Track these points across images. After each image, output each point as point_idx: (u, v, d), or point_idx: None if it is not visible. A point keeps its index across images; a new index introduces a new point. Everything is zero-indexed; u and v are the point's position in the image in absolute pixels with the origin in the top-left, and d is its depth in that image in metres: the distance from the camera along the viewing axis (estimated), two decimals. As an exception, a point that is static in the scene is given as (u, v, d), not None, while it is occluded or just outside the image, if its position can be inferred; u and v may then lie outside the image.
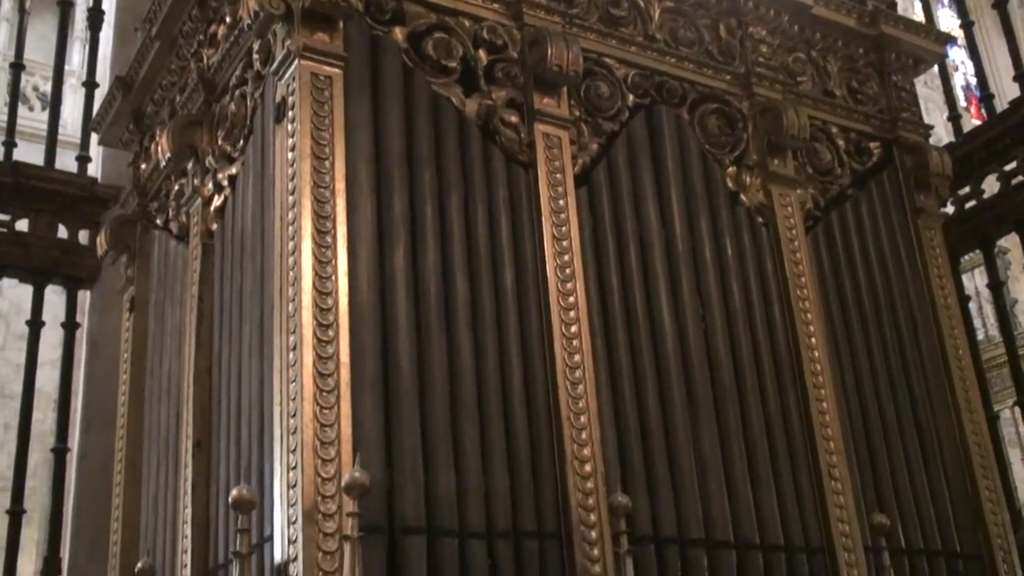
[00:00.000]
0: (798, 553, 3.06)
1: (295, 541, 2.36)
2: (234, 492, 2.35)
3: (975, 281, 10.27)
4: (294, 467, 2.43)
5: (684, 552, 2.86)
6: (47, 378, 5.68)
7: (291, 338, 2.58)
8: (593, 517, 2.70)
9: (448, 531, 2.54)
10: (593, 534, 2.68)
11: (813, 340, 3.37)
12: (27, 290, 5.17)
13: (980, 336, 9.14)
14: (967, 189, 4.86)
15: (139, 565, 2.93)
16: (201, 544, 2.95)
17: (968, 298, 4.92)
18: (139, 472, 3.64)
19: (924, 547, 3.36)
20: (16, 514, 5.08)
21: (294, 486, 2.42)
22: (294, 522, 2.38)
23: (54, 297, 5.36)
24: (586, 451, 2.77)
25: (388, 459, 2.55)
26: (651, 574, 2.77)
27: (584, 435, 2.79)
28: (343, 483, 2.33)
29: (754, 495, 3.07)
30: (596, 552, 2.67)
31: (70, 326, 5.28)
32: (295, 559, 2.34)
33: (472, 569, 2.54)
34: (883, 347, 3.63)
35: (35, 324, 5.13)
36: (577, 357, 2.87)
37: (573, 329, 2.90)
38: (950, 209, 4.70)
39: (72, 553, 5.15)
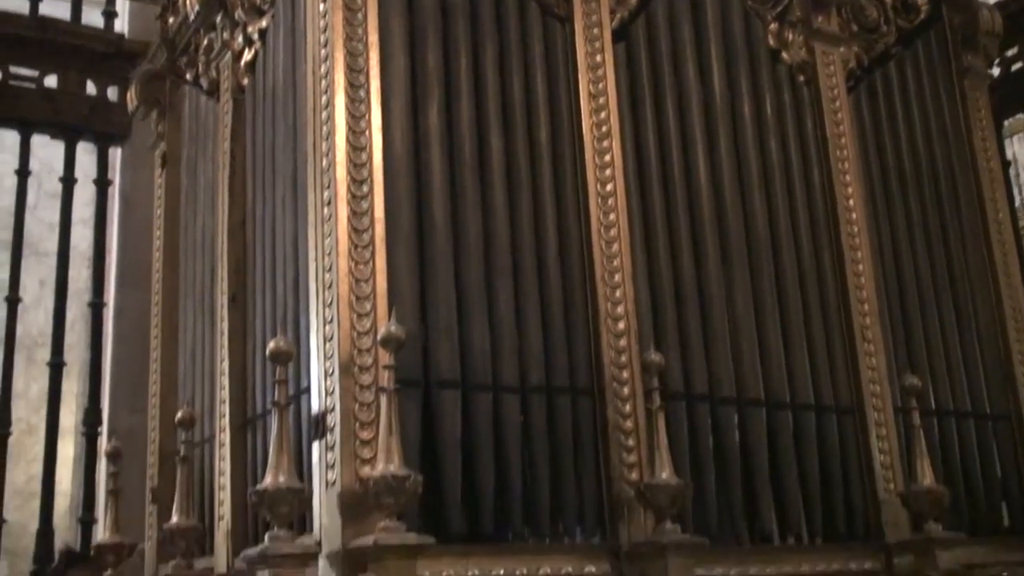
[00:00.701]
0: (828, 413, 3.09)
1: (332, 393, 2.39)
2: (271, 344, 2.37)
3: (1014, 147, 10.05)
4: (330, 321, 2.45)
5: (715, 410, 2.89)
6: (80, 236, 5.71)
7: (325, 193, 2.57)
8: (626, 374, 2.72)
9: (482, 385, 2.57)
10: (625, 391, 2.70)
11: (851, 201, 3.32)
12: (58, 149, 5.16)
13: (1016, 204, 8.99)
14: (1015, 50, 4.70)
15: (179, 415, 3.00)
16: (239, 395, 3.00)
17: (1008, 164, 4.82)
18: (175, 326, 3.69)
19: (954, 409, 3.38)
20: (57, 366, 5.18)
21: (330, 339, 2.44)
22: (331, 374, 2.42)
23: (85, 157, 5.35)
24: (619, 309, 2.78)
25: (423, 314, 2.57)
26: (682, 431, 2.81)
27: (618, 293, 2.79)
28: (379, 336, 2.34)
29: (786, 355, 3.08)
30: (628, 408, 2.69)
31: (102, 183, 5.29)
32: (332, 410, 2.38)
33: (505, 423, 2.57)
34: (922, 210, 3.58)
35: (68, 181, 5.14)
36: (612, 215, 2.85)
37: (608, 187, 2.87)
38: (995, 71, 4.57)
39: (112, 405, 5.28)
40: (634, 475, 2.64)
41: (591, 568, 2.52)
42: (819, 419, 3.07)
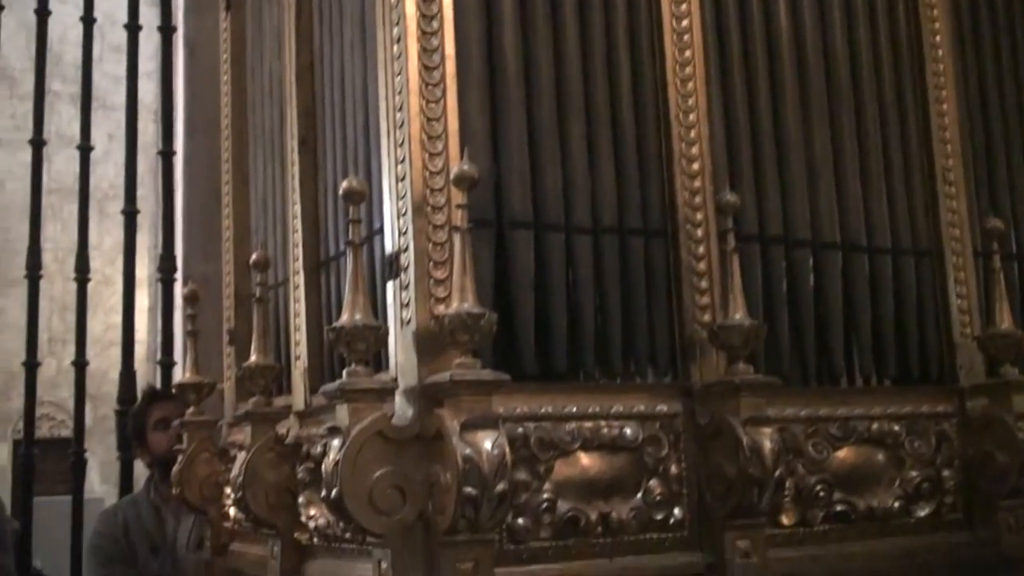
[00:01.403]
0: (905, 256, 3.03)
1: (405, 233, 2.40)
2: (344, 184, 2.36)
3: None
4: (402, 161, 2.43)
5: (790, 252, 2.86)
6: (144, 90, 5.73)
7: (394, 30, 2.51)
8: (699, 216, 2.69)
9: (555, 226, 2.55)
10: (699, 232, 2.67)
11: (938, 38, 3.18)
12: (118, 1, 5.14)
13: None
14: None
15: (253, 257, 3.03)
16: (311, 238, 3.02)
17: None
18: (246, 172, 3.70)
19: (1035, 252, 3.31)
20: (131, 215, 5.28)
21: (402, 179, 2.43)
22: (404, 214, 2.41)
23: (147, 9, 5.32)
24: (694, 149, 2.72)
25: (495, 154, 2.54)
26: (755, 273, 2.78)
27: (693, 133, 2.72)
28: (452, 175, 2.33)
29: (864, 197, 3.01)
30: (701, 250, 2.67)
31: (166, 30, 5.27)
32: (406, 250, 2.39)
33: (578, 264, 2.57)
34: (1012, 49, 3.42)
35: (132, 29, 5.13)
36: (688, 53, 2.76)
37: (684, 23, 2.77)
38: None
39: (185, 253, 5.38)
40: (707, 317, 2.63)
41: (663, 407, 2.54)
42: (896, 262, 3.02)
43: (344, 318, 2.29)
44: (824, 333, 2.87)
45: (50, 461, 5.76)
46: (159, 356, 5.57)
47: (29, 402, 5.10)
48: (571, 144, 2.61)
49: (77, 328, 5.23)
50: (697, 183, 2.70)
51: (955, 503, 2.88)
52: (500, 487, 2.15)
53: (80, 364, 5.21)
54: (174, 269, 5.30)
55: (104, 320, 17.89)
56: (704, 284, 2.64)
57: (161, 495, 4.43)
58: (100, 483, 15.23)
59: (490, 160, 2.52)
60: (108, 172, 16.24)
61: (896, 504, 2.78)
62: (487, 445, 2.14)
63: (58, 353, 18.96)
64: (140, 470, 4.93)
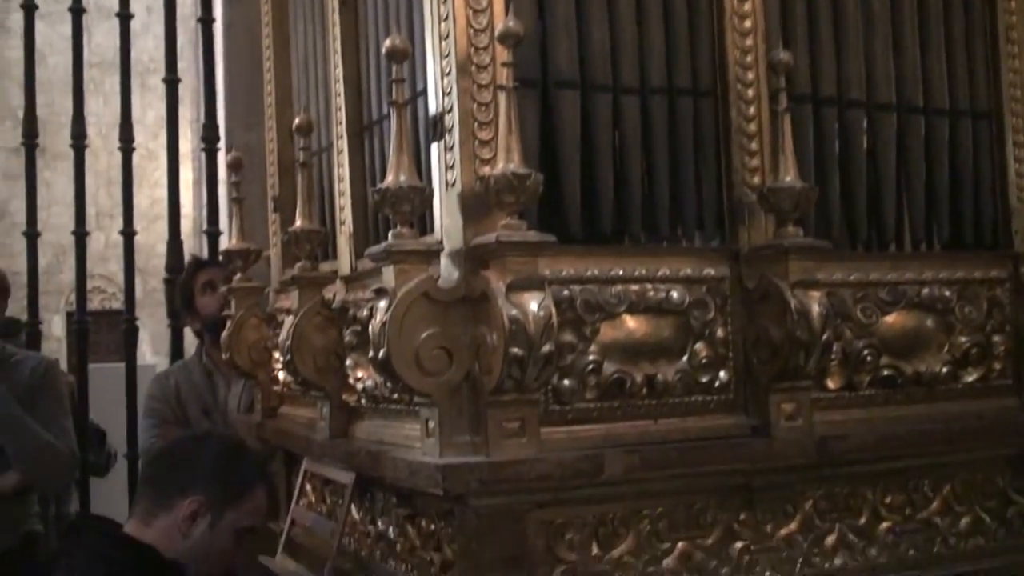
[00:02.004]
0: (963, 118, 2.94)
1: (449, 93, 2.35)
2: (387, 42, 2.32)
3: None
4: (445, 18, 2.37)
5: (843, 113, 2.78)
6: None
7: None
8: (751, 75, 2.61)
9: (601, 86, 2.49)
10: (750, 92, 2.60)
11: None
12: None
13: None
14: None
15: (297, 120, 3.01)
16: (354, 102, 2.99)
17: None
18: (286, 37, 3.65)
19: (1099, 116, 3.19)
20: (172, 83, 5.25)
21: (446, 38, 2.37)
22: (448, 74, 2.36)
23: None
24: (746, 6, 2.62)
25: (540, 11, 2.47)
26: (807, 134, 2.71)
27: (745, -11, 2.62)
28: (497, 33, 2.27)
29: (922, 57, 2.90)
30: (752, 111, 2.60)
31: None
32: (450, 110, 2.35)
33: (625, 124, 2.52)
34: None
35: None
36: (741, -97, 2.64)
37: None
38: None
39: (227, 122, 5.37)
40: (756, 179, 2.58)
41: (710, 271, 2.51)
42: (953, 124, 2.93)
43: (389, 179, 2.27)
44: (876, 196, 2.81)
45: (102, 333, 5.89)
46: (205, 226, 5.62)
47: (80, 269, 5.18)
48: (619, 0, 2.53)
49: (124, 196, 5.28)
50: (749, 41, 2.62)
51: (1004, 369, 2.86)
52: (546, 348, 2.15)
53: (128, 233, 5.27)
54: (217, 139, 5.30)
55: (149, 194, 18.04)
56: (754, 146, 2.58)
57: (212, 360, 4.52)
58: (151, 354, 15.63)
59: (536, 17, 2.45)
60: (148, 45, 16.16)
61: (944, 369, 2.76)
62: (533, 306, 2.14)
63: (105, 227, 19.25)
64: (190, 339, 5.03)
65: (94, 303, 15.45)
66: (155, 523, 2.77)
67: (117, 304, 18.28)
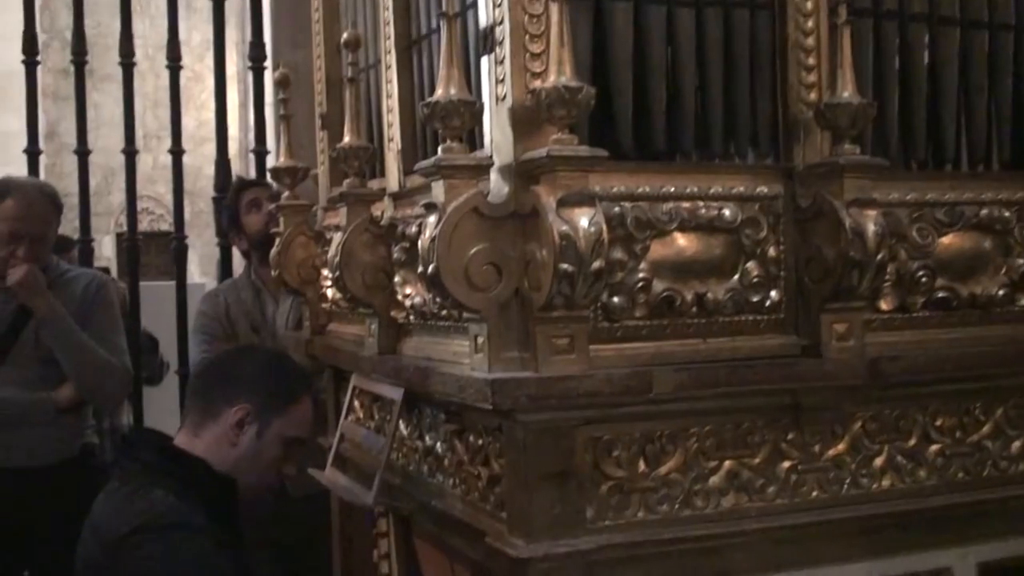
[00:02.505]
0: (1029, 32, 2.85)
1: (500, 4, 2.30)
2: (437, -48, 2.28)
3: None
4: (496, -72, 2.32)
5: (904, 27, 2.69)
6: None
7: None
8: (809, -14, 2.53)
9: (655, -2, 2.44)
10: (808, 5, 2.52)
11: None
12: None
13: None
14: None
15: (344, 36, 2.98)
16: (402, 16, 2.95)
17: None
18: (332, -49, 3.61)
19: None
20: (218, 2, 5.22)
21: (497, -52, 2.32)
22: (499, -15, 2.32)
23: None
24: (807, -86, 2.54)
25: (593, -80, 2.41)
26: (866, 49, 2.64)
27: None
28: (549, -58, 2.21)
29: (988, -31, 2.81)
30: (810, 24, 2.52)
31: None
32: (500, 23, 2.30)
33: (679, 37, 2.46)
34: None
35: None
36: None
37: None
38: None
39: (274, 41, 5.35)
40: (813, 95, 2.51)
41: (763, 188, 2.47)
42: (1019, 41, 2.83)
43: (439, 92, 2.25)
44: (936, 114, 2.74)
45: (151, 254, 5.97)
46: (252, 145, 5.63)
47: (130, 186, 5.23)
48: (674, -91, 2.46)
49: (172, 114, 5.30)
50: (808, -49, 2.54)
51: (1062, 292, 2.80)
52: (596, 264, 2.14)
53: (177, 151, 5.30)
54: (264, 58, 5.28)
55: (196, 116, 18.13)
56: (811, 60, 2.51)
57: (260, 278, 4.57)
58: (199, 275, 15.83)
59: (589, -75, 2.39)
60: (191, -34, 16.09)
61: (1000, 292, 2.70)
62: (584, 222, 2.12)
63: (153, 149, 19.41)
64: (237, 260, 5.08)
65: (142, 224, 15.57)
66: (204, 434, 2.82)
67: (165, 226, 18.50)
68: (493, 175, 2.29)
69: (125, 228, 5.56)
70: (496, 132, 2.32)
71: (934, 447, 2.64)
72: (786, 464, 2.47)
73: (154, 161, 19.35)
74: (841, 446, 2.53)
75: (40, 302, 4.16)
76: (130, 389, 4.65)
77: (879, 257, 2.38)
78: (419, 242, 2.28)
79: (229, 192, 4.81)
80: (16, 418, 4.17)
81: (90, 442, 4.50)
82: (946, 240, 2.65)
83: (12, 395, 4.18)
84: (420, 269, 2.27)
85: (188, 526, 2.59)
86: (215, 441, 2.81)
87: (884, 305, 2.58)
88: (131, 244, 5.24)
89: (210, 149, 5.41)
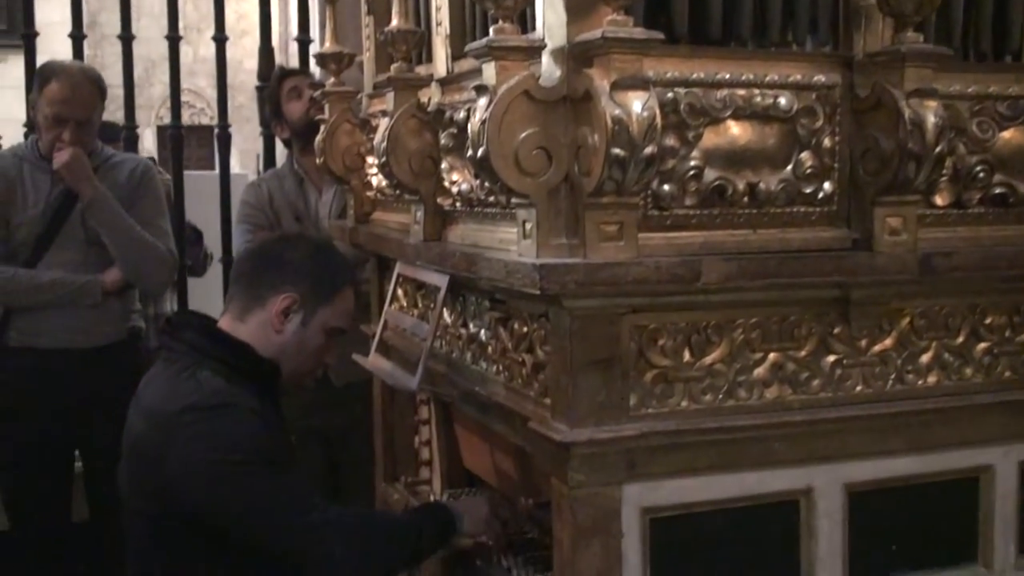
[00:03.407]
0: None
1: None
2: None
3: None
4: None
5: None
6: None
7: None
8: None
9: None
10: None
11: None
12: None
13: None
14: None
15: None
16: None
17: None
18: None
19: None
20: None
21: None
22: None
23: None
24: None
25: None
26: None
27: None
28: None
29: None
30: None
31: None
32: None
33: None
34: None
35: None
36: None
37: None
38: None
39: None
40: (874, -16, 2.43)
41: (820, 77, 2.41)
42: (1094, -73, 2.72)
43: (491, -29, 2.19)
44: (1002, 3, 2.64)
45: (191, 147, 5.98)
46: (295, 34, 5.57)
47: (174, 73, 5.21)
48: None
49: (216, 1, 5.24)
50: None
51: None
52: (649, 149, 2.10)
53: (220, 39, 5.26)
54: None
55: (235, 9, 17.90)
56: (877, -34, 2.42)
57: (303, 168, 4.57)
58: (240, 168, 15.86)
59: None
60: None
61: (1060, 189, 2.64)
62: (637, 106, 2.08)
63: (193, 41, 19.22)
64: (280, 153, 5.07)
65: (183, 117, 15.59)
66: (249, 319, 2.85)
67: (205, 119, 18.50)
68: (545, 58, 2.25)
69: (166, 121, 5.56)
70: (549, 13, 2.27)
71: (982, 345, 2.61)
72: (831, 358, 2.46)
73: (194, 54, 19.23)
74: (888, 341, 2.51)
75: (86, 186, 4.19)
76: (175, 274, 4.70)
77: (937, 150, 2.32)
78: (468, 126, 2.25)
79: (271, 81, 4.78)
80: (64, 301, 4.24)
81: (137, 326, 4.58)
82: (1007, 135, 2.58)
83: (60, 278, 4.24)
84: (469, 153, 2.25)
85: (238, 407, 2.62)
86: (259, 327, 2.84)
87: (939, 200, 2.53)
88: (175, 132, 5.25)
89: (249, 42, 5.37)
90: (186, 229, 5.37)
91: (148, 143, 19.53)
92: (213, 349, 2.76)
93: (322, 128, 3.57)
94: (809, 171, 2.40)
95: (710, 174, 2.32)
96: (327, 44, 3.51)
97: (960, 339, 2.59)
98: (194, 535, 2.59)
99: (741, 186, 2.35)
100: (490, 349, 2.67)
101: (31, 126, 4.48)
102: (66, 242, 4.27)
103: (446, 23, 2.91)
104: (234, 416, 2.60)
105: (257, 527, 2.57)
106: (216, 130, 5.32)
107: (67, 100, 4.18)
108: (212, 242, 5.48)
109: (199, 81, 19.43)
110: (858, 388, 2.49)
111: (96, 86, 4.30)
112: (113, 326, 4.39)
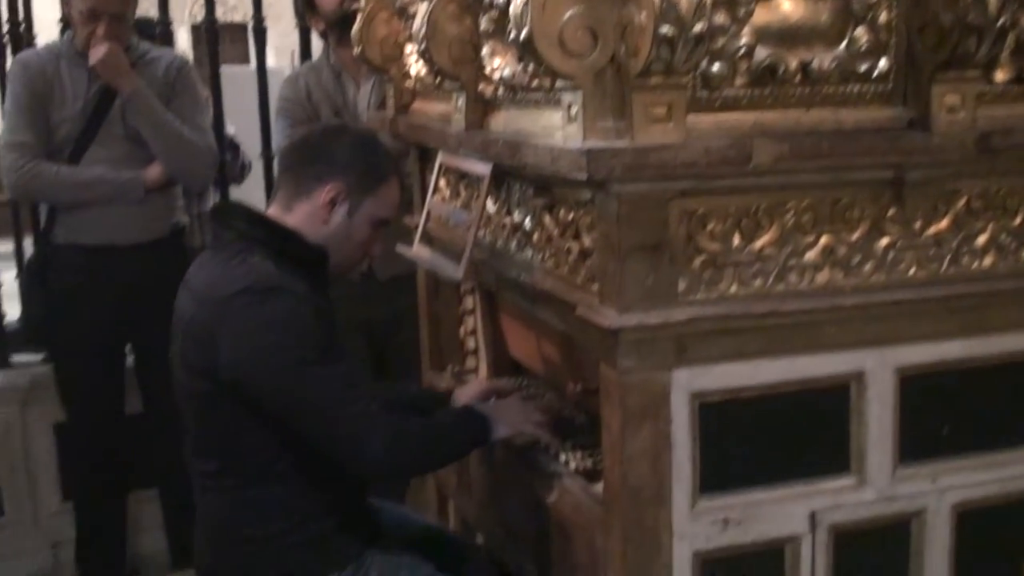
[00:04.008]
0: None
1: None
2: None
3: None
4: None
5: None
6: None
7: None
8: None
9: None
10: None
11: None
12: None
13: None
14: None
15: None
16: None
17: None
18: None
19: None
20: None
21: None
22: None
23: None
24: None
25: None
26: None
27: None
28: None
29: None
30: None
31: None
32: None
33: None
34: None
35: None
36: None
37: None
38: None
39: None
40: None
41: (877, -52, 2.30)
42: None
43: None
44: None
45: (224, 45, 5.87)
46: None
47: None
48: None
49: None
50: None
51: None
52: (698, 28, 2.03)
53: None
54: None
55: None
56: None
57: (340, 60, 4.50)
58: (274, 63, 15.74)
59: None
60: None
61: None
62: (686, -18, 2.00)
63: (224, -64, 18.95)
64: (316, 46, 4.99)
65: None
66: (296, 209, 2.84)
67: (237, 17, 18.29)
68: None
69: (199, 19, 5.47)
70: None
71: (1040, 226, 2.55)
72: (885, 241, 2.41)
73: (224, -51, 18.96)
74: (943, 223, 2.45)
75: (123, 81, 4.16)
76: (215, 171, 4.68)
77: (1000, 22, 2.23)
78: (510, 8, 2.18)
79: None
80: (107, 197, 4.25)
81: (181, 222, 4.60)
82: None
83: (102, 174, 4.25)
84: (511, 36, 2.18)
85: (290, 291, 2.63)
86: (306, 218, 2.83)
87: (1000, 75, 2.43)
88: (211, 26, 5.17)
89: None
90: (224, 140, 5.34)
91: (182, 42, 19.41)
92: (263, 235, 2.76)
93: (358, 17, 3.50)
94: (864, 47, 2.31)
95: (761, 52, 2.25)
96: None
97: (1017, 221, 2.52)
98: (249, 412, 2.62)
99: (793, 64, 2.27)
100: (535, 237, 2.65)
101: (67, 22, 4.44)
102: (107, 139, 4.27)
103: None
104: (287, 300, 2.61)
105: (304, 411, 2.59)
106: (251, 22, 5.23)
107: (100, -7, 4.13)
108: (251, 139, 5.44)
109: (232, -23, 19.20)
110: (911, 271, 2.44)
111: (130, -22, 4.24)
112: (157, 222, 4.42)
